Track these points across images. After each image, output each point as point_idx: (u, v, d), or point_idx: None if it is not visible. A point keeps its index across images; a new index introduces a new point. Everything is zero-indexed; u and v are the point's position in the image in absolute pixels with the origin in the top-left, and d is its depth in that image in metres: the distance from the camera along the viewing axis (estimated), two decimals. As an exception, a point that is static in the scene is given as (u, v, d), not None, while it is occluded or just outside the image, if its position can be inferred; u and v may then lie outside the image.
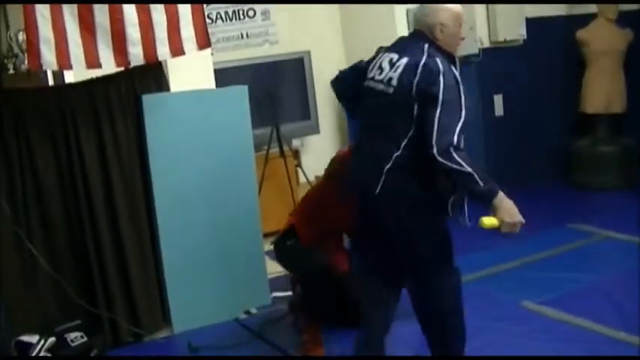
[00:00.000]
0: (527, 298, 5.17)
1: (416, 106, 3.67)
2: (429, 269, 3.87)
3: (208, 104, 5.20)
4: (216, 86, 5.56)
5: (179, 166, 5.11)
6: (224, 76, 6.21)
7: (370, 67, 4.02)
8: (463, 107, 3.64)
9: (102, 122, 4.97)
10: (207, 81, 5.47)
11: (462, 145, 3.58)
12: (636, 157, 8.09)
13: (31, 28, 4.53)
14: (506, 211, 3.58)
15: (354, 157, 4.19)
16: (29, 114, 4.82)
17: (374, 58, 4.09)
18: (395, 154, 3.71)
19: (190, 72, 5.30)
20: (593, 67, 8.21)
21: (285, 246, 5.08)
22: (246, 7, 7.43)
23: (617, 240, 6.31)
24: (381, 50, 4.08)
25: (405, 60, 3.80)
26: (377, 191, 3.75)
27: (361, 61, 4.27)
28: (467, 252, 5.96)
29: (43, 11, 4.54)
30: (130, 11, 4.69)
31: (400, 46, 3.99)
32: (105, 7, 4.64)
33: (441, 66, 3.67)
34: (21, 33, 6.27)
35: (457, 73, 3.74)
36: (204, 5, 5.04)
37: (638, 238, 5.95)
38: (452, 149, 3.52)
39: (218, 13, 7.38)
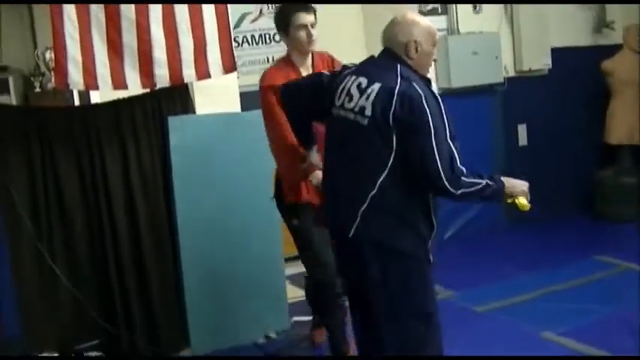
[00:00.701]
0: (547, 329, 5.13)
1: (395, 139, 3.35)
2: (394, 318, 3.55)
3: (233, 127, 5.21)
4: (242, 109, 5.57)
5: (202, 188, 5.12)
6: (250, 99, 6.21)
7: (337, 92, 3.62)
8: (447, 128, 3.37)
9: (127, 143, 4.99)
10: (232, 104, 5.48)
11: (462, 166, 3.41)
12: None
13: (59, 47, 4.58)
14: (519, 190, 3.66)
15: (325, 192, 3.83)
16: (55, 133, 4.85)
17: (337, 75, 3.73)
18: (371, 193, 3.40)
19: (216, 95, 5.31)
20: (618, 97, 8.19)
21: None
22: (272, 31, 7.45)
23: (636, 272, 6.26)
24: (346, 70, 3.72)
25: (377, 86, 3.44)
26: (350, 235, 3.49)
27: (321, 75, 3.94)
28: (488, 281, 5.95)
29: (71, 31, 4.59)
30: (157, 33, 4.73)
31: (369, 68, 3.63)
32: (133, 28, 4.68)
33: (420, 91, 3.36)
34: (48, 51, 6.36)
35: (438, 95, 3.45)
36: (231, 28, 5.08)
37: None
38: (463, 177, 3.37)
39: (244, 36, 7.42)
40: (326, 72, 4.00)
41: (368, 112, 3.41)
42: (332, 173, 3.72)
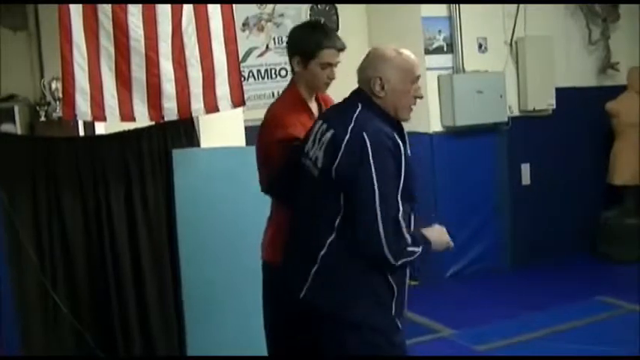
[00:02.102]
0: (550, 369, 5.12)
1: (342, 197, 3.05)
2: None
3: (238, 161, 5.21)
4: (247, 144, 5.58)
5: (206, 221, 5.12)
6: (254, 133, 6.23)
7: (308, 138, 3.35)
8: (399, 187, 3.00)
9: (131, 175, 5.01)
10: (237, 138, 5.49)
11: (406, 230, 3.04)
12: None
13: (68, 78, 4.60)
14: (443, 243, 3.27)
15: (285, 246, 3.50)
16: (60, 163, 4.87)
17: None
18: (321, 253, 3.10)
19: (221, 128, 5.33)
20: (622, 138, 8.21)
21: None
22: (278, 66, 7.50)
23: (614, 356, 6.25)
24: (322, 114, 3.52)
25: (329, 133, 3.14)
26: (301, 296, 3.18)
27: (295, 144, 3.54)
28: (490, 320, 5.92)
29: (80, 62, 4.62)
30: (166, 66, 4.75)
31: (332, 111, 3.43)
32: (142, 61, 4.70)
33: (369, 140, 2.98)
34: (55, 81, 6.38)
35: (401, 145, 3.04)
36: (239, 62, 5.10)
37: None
38: (407, 248, 3.02)
39: (250, 71, 7.45)
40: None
41: (319, 163, 3.16)
42: (292, 227, 3.43)
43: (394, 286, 3.16)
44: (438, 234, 3.26)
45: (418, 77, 3.25)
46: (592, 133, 8.47)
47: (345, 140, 3.03)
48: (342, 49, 3.82)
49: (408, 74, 3.20)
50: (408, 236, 3.02)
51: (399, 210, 2.99)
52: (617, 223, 8.08)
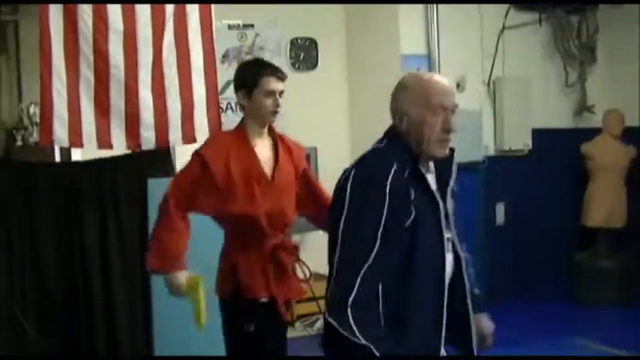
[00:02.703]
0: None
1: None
2: None
3: (213, 192, 5.21)
4: (223, 174, 5.57)
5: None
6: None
7: None
8: (374, 241, 2.60)
9: (106, 202, 4.99)
10: (213, 168, 5.49)
11: (364, 298, 2.58)
12: (635, 273, 8.07)
13: (46, 103, 4.60)
14: None
15: None
16: (35, 188, 4.85)
17: None
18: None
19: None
20: (596, 180, 8.27)
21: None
22: (257, 98, 7.52)
23: (612, 355, 6.25)
24: None
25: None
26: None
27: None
28: None
29: (59, 88, 4.62)
30: (145, 95, 4.76)
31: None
32: (121, 89, 4.71)
33: (354, 177, 2.69)
34: (33, 106, 6.34)
35: (402, 190, 2.67)
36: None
37: (635, 354, 5.90)
38: (348, 308, 2.55)
39: (229, 103, 7.44)
40: None
41: None
42: None
43: None
44: None
45: (443, 107, 2.80)
46: (567, 175, 8.53)
47: (339, 182, 2.75)
48: (281, 76, 3.92)
49: (426, 104, 2.79)
50: (354, 292, 2.56)
51: (362, 262, 2.59)
52: (590, 265, 8.12)
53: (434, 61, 7.72)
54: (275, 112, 3.91)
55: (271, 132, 4.04)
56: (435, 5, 7.66)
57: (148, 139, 4.82)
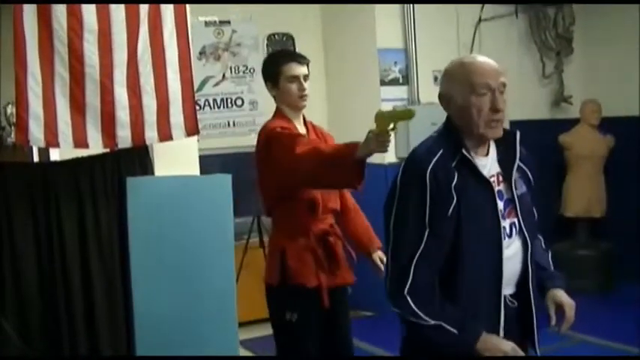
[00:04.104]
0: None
1: None
2: None
3: (191, 190, 5.20)
4: (201, 173, 5.57)
5: (158, 249, 5.08)
6: (209, 163, 6.23)
7: None
8: (422, 221, 2.73)
9: (84, 202, 4.95)
10: (191, 167, 5.47)
11: (421, 284, 2.74)
12: (614, 262, 8.13)
13: (21, 103, 4.57)
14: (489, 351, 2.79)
15: None
16: (12, 189, 4.81)
17: None
18: None
19: (175, 157, 5.30)
20: (575, 171, 8.33)
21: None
22: (234, 96, 7.49)
23: (592, 344, 6.30)
24: None
25: None
26: None
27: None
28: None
29: (35, 88, 4.59)
30: (121, 94, 4.73)
31: None
32: (97, 88, 4.68)
33: (400, 171, 2.85)
34: (10, 106, 6.33)
35: (442, 173, 2.74)
36: (194, 91, 5.10)
37: (614, 343, 5.94)
38: (407, 296, 2.73)
39: (207, 100, 7.44)
40: None
41: None
42: None
43: None
44: (494, 343, 2.81)
45: (488, 87, 2.83)
46: (545, 166, 8.54)
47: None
48: (302, 60, 4.11)
49: (466, 86, 2.84)
50: (410, 279, 2.72)
51: (413, 244, 2.73)
52: (569, 255, 8.17)
53: (411, 55, 7.76)
54: (303, 97, 4.08)
55: (304, 120, 4.25)
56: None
57: (125, 137, 4.79)
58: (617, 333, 6.42)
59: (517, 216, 2.98)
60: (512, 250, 2.94)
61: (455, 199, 2.74)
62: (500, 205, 2.91)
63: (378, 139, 3.36)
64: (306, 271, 4.01)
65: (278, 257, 4.06)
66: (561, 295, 3.22)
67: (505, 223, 2.93)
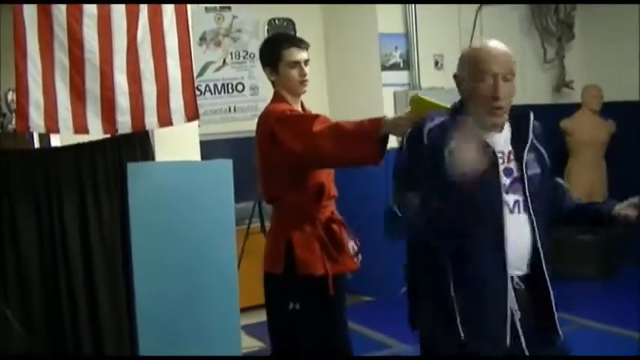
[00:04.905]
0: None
1: None
2: None
3: (192, 176, 5.20)
4: (202, 158, 5.57)
5: (160, 235, 5.09)
6: (210, 148, 6.23)
7: None
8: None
9: (85, 188, 4.96)
10: (192, 152, 5.48)
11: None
12: (615, 248, 8.13)
13: (21, 90, 4.56)
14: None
15: None
16: (13, 175, 4.82)
17: None
18: None
19: (176, 142, 5.31)
20: (576, 156, 8.31)
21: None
22: (235, 81, 7.49)
23: (593, 329, 6.30)
24: None
25: None
26: None
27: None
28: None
29: (34, 74, 4.58)
30: (120, 80, 4.73)
31: None
32: (96, 74, 4.68)
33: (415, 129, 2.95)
34: (10, 93, 6.33)
35: (422, 134, 2.87)
36: (195, 77, 5.10)
37: (614, 328, 5.95)
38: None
39: (207, 85, 7.44)
40: None
41: None
42: None
43: None
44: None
45: (492, 74, 2.90)
46: (547, 151, 8.54)
47: None
48: (302, 45, 4.02)
49: (472, 71, 2.92)
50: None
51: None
52: (570, 240, 8.16)
53: (412, 40, 7.74)
54: (304, 82, 4.01)
55: (302, 106, 4.18)
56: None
57: (125, 123, 4.79)
58: (618, 318, 6.42)
59: (525, 194, 2.98)
60: (515, 227, 2.95)
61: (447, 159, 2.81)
62: (506, 180, 2.96)
63: (408, 123, 3.30)
64: (313, 259, 3.97)
65: (283, 246, 4.00)
66: (615, 205, 3.24)
67: (509, 198, 2.95)
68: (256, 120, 4.13)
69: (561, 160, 8.38)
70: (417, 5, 7.73)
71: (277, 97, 4.11)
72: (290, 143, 3.76)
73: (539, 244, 3.00)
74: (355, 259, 4.15)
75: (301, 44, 4.05)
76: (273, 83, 4.12)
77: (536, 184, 3.04)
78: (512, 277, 2.95)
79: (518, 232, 2.96)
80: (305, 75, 4.02)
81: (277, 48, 4.03)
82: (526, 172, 3.01)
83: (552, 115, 8.35)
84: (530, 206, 2.98)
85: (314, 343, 4.05)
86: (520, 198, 2.98)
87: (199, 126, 5.57)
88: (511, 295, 2.94)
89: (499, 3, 8.24)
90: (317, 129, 3.66)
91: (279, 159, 3.90)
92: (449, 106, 3.16)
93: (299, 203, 4.01)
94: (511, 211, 2.95)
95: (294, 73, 3.99)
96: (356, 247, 4.18)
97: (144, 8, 4.81)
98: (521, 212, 2.97)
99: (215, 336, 5.32)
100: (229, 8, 7.51)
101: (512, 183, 2.97)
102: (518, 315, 2.96)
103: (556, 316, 3.13)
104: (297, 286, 3.97)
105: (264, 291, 4.18)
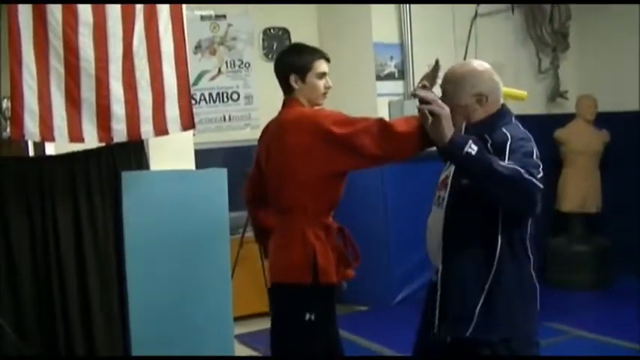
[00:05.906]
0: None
1: None
2: None
3: (187, 185, 5.20)
4: (196, 167, 5.56)
5: (154, 244, 5.08)
6: (204, 157, 6.21)
7: None
8: None
9: (79, 196, 4.96)
10: (187, 161, 5.47)
11: None
12: (610, 257, 8.13)
13: (16, 97, 4.56)
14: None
15: None
16: (7, 183, 4.81)
17: None
18: None
19: (171, 151, 5.30)
20: (570, 166, 8.31)
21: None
22: (230, 90, 7.49)
23: (588, 339, 6.29)
24: None
25: None
26: None
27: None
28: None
29: (30, 82, 4.58)
30: (116, 88, 4.73)
31: None
32: (92, 82, 4.68)
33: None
34: (5, 100, 6.30)
35: None
36: (190, 86, 5.09)
37: (609, 338, 5.95)
38: None
39: (202, 94, 7.44)
40: None
41: None
42: None
43: None
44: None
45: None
46: (541, 160, 8.54)
47: None
48: (329, 59, 4.12)
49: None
50: None
51: None
52: (565, 250, 8.17)
53: (407, 50, 7.73)
54: (325, 94, 4.08)
55: None
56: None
57: (120, 131, 4.79)
58: (613, 328, 6.42)
59: (447, 191, 3.38)
60: (431, 219, 3.47)
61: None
62: (441, 176, 3.46)
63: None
64: (332, 269, 3.99)
65: (310, 255, 3.98)
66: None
67: (439, 193, 3.46)
68: (250, 129, 4.12)
69: (555, 171, 8.38)
70: (412, 15, 7.73)
71: (296, 103, 4.04)
72: (371, 145, 3.72)
73: (448, 241, 3.37)
74: (354, 265, 4.17)
75: (328, 57, 4.13)
76: (292, 91, 4.05)
77: (460, 184, 3.34)
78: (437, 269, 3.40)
79: (432, 224, 3.47)
80: (329, 87, 4.09)
81: (310, 58, 4.06)
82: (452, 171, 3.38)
83: (546, 125, 8.36)
84: (444, 201, 3.38)
85: (322, 353, 4.04)
86: (443, 194, 3.41)
87: (194, 135, 5.56)
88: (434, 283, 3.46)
89: (498, 3, 8.25)
90: (401, 129, 3.66)
91: (340, 162, 3.86)
92: (526, 94, 3.69)
93: (317, 212, 3.99)
94: (434, 205, 3.48)
95: (321, 84, 4.05)
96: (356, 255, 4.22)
97: (139, 15, 4.81)
98: (440, 207, 3.41)
99: (208, 345, 5.31)
100: (225, 16, 7.51)
101: (444, 180, 3.45)
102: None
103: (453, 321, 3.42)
104: (319, 296, 3.95)
105: (278, 301, 4.12)
